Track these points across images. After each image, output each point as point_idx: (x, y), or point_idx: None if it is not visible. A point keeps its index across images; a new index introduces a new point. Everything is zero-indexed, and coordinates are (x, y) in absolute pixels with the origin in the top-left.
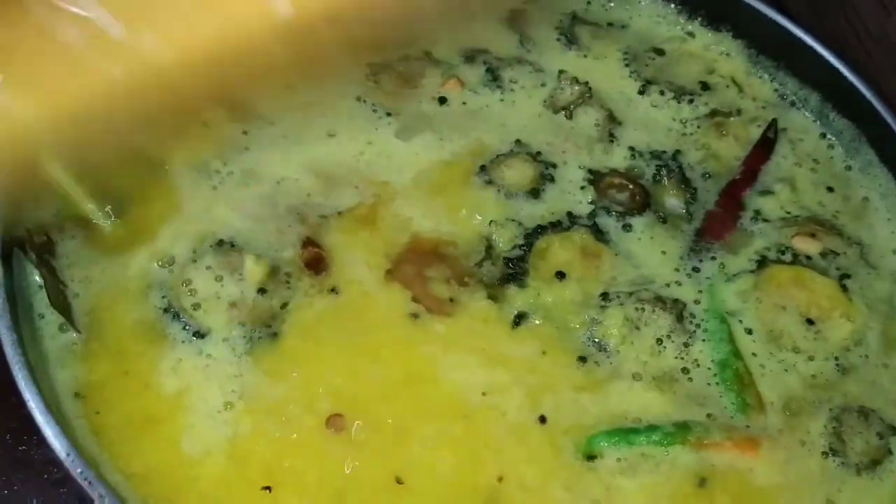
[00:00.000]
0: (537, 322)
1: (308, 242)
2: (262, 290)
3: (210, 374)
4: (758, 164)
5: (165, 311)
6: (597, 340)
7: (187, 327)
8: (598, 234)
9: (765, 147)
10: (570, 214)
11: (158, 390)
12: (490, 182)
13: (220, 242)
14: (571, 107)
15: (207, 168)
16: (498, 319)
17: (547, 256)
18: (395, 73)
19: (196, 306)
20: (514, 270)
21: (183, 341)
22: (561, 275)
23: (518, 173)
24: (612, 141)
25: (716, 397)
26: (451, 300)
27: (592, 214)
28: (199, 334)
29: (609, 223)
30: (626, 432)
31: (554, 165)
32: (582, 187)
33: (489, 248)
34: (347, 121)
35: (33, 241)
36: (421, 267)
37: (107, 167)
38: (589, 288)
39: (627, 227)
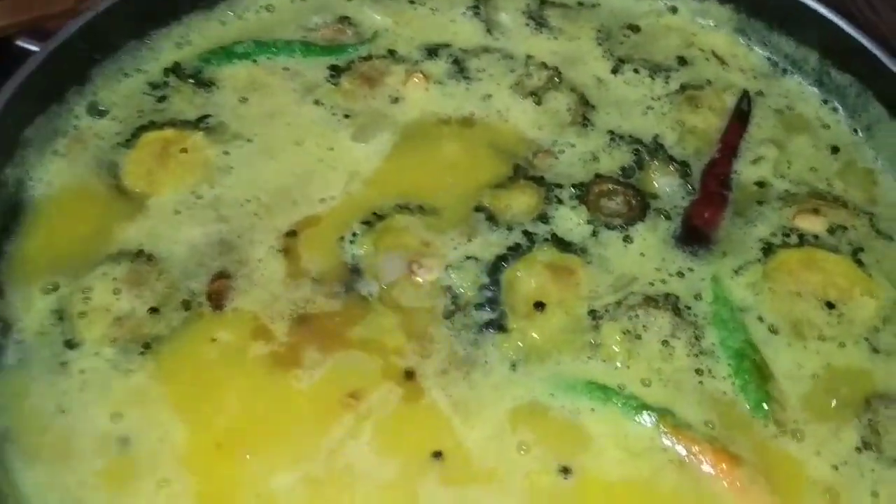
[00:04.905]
0: (531, 367)
1: (220, 276)
2: (153, 310)
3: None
4: (735, 138)
5: (53, 311)
6: (603, 362)
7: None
8: (563, 245)
9: (740, 120)
10: (525, 233)
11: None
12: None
13: (140, 253)
14: (540, 92)
15: (192, 194)
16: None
17: (517, 288)
18: (357, 74)
19: (82, 314)
20: (490, 316)
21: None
22: (540, 305)
23: (521, 201)
24: (585, 125)
25: (730, 397)
26: (409, 374)
27: (594, 234)
28: (71, 344)
29: (607, 236)
30: (605, 389)
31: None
32: (573, 207)
33: (454, 298)
34: (310, 126)
35: None
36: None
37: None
38: (573, 309)
39: (628, 239)
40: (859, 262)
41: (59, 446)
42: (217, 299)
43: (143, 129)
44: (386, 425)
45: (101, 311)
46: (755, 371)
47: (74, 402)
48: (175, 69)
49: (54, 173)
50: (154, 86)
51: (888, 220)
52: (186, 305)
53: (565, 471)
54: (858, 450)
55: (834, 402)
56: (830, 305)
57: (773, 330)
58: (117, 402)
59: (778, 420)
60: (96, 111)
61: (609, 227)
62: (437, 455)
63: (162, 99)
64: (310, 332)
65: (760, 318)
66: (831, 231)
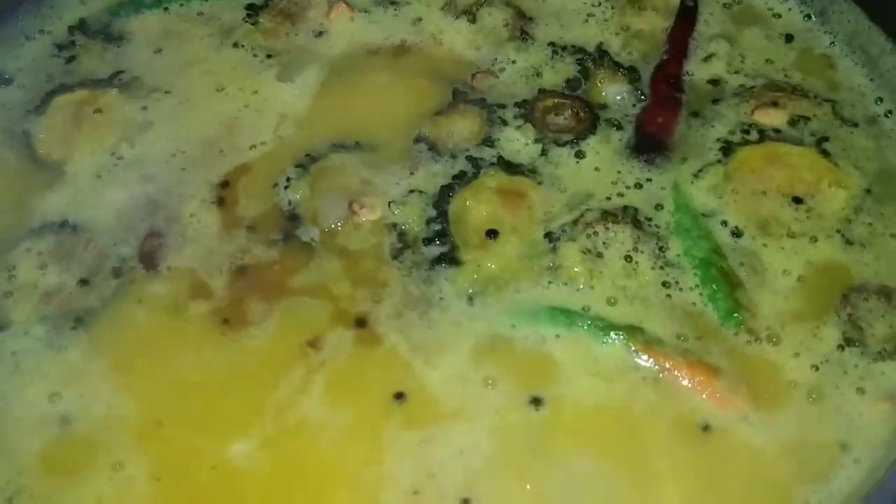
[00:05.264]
0: (489, 299)
1: (152, 235)
2: (83, 282)
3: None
4: (683, 37)
5: None
6: (565, 285)
7: None
8: (511, 167)
9: (686, 18)
10: (470, 159)
11: None
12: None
13: (64, 224)
14: (473, 10)
15: (112, 156)
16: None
17: (467, 218)
18: (276, 10)
19: (8, 294)
20: (441, 250)
21: None
22: (492, 233)
23: (462, 127)
24: (524, 40)
25: (700, 307)
26: (361, 321)
27: (544, 152)
28: None
29: (557, 153)
30: (569, 312)
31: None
32: (518, 127)
33: (401, 235)
34: (231, 71)
35: None
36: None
37: None
38: (528, 234)
39: (580, 154)
40: (825, 153)
41: None
42: (150, 259)
43: (54, 93)
44: (342, 375)
45: (28, 289)
46: (723, 279)
47: (8, 387)
48: (81, 26)
49: None
50: (60, 46)
51: (851, 106)
52: (117, 273)
53: (536, 402)
54: (840, 347)
55: (810, 305)
56: (798, 201)
57: (738, 233)
58: (54, 382)
59: (750, 328)
60: (1, 80)
61: (558, 143)
62: (400, 397)
63: (70, 59)
64: (250, 284)
65: (724, 223)
66: (793, 123)
